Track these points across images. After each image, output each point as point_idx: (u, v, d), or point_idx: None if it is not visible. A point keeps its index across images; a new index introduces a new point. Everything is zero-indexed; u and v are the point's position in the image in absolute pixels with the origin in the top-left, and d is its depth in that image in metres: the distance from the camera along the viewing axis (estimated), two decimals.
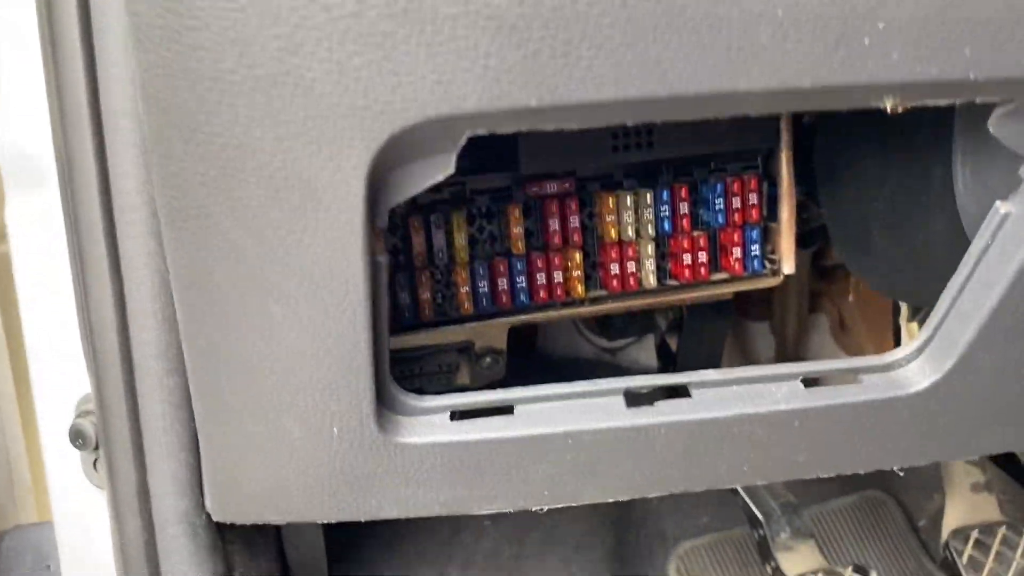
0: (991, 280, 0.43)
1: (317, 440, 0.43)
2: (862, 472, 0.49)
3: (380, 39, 0.30)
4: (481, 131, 0.33)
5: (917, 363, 0.47)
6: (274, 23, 0.30)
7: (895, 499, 1.01)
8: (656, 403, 0.46)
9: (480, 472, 0.45)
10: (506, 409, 0.46)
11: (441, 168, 0.34)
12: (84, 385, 0.53)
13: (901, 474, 0.51)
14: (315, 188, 0.33)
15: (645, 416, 0.45)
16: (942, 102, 0.35)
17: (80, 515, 0.56)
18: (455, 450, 0.44)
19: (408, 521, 0.90)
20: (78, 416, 0.52)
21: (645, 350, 1.05)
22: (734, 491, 1.01)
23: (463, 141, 0.33)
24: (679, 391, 0.47)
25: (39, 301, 0.55)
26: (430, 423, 0.44)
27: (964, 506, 0.94)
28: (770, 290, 1.01)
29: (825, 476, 0.49)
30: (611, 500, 0.48)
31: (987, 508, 0.90)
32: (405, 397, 0.44)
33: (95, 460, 0.54)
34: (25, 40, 0.49)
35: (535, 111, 0.31)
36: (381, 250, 0.38)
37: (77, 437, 0.51)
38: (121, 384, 0.48)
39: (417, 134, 0.32)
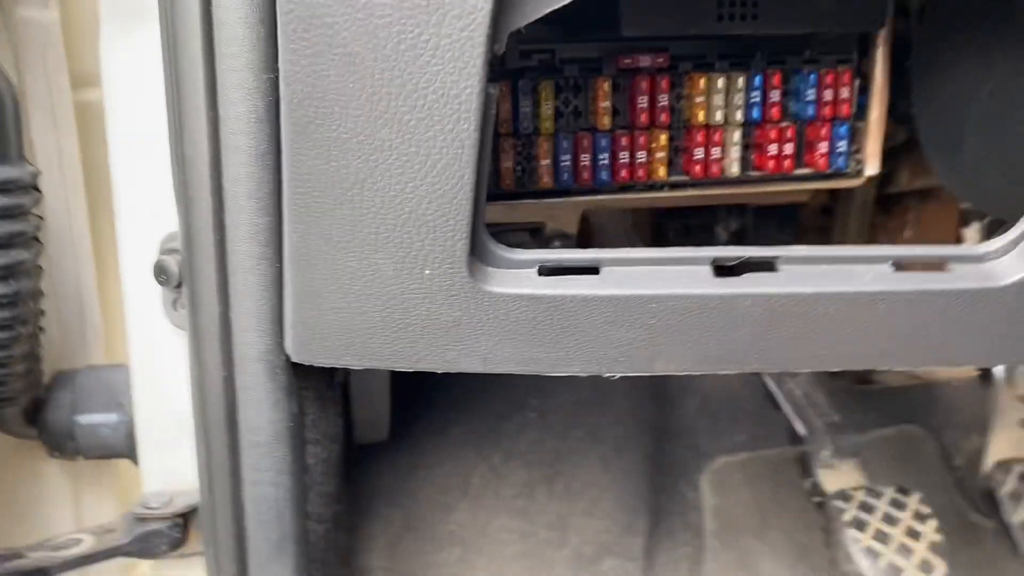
0: None
1: (407, 280, 0.43)
2: (944, 366, 0.48)
3: None
4: None
5: (1010, 257, 0.46)
6: None
7: (933, 437, 1.01)
8: (743, 275, 0.46)
9: (561, 331, 0.45)
10: (592, 269, 0.45)
11: None
12: (169, 224, 0.54)
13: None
14: None
15: (731, 286, 0.45)
16: None
17: (156, 357, 0.57)
18: (540, 305, 0.44)
19: (458, 406, 0.92)
20: (163, 253, 0.52)
21: None
22: (777, 407, 1.02)
23: None
24: (766, 267, 0.46)
25: (129, 140, 0.55)
26: (518, 276, 0.44)
27: (1010, 441, 0.94)
28: (830, 217, 0.99)
29: (906, 368, 0.48)
30: (680, 373, 0.48)
31: None
32: (496, 248, 0.44)
33: (175, 300, 0.54)
34: None
35: None
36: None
37: (161, 273, 0.52)
38: (210, 220, 0.48)
39: None
